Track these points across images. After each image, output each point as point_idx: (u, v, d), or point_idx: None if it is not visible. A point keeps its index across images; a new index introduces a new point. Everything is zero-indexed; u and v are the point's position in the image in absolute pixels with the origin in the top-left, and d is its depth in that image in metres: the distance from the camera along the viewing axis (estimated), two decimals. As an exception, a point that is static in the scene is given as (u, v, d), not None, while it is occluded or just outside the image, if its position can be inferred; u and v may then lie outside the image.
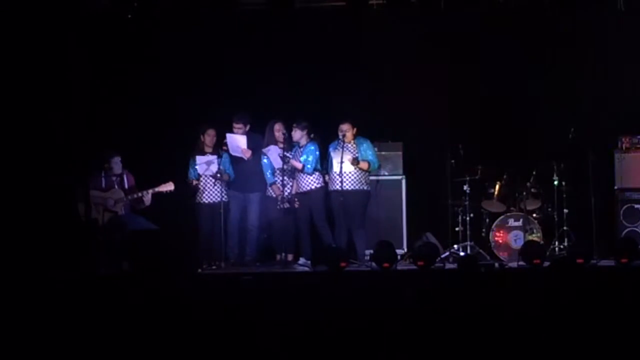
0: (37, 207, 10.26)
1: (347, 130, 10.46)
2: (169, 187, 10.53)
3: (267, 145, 10.65)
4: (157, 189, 10.53)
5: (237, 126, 10.77)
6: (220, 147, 10.71)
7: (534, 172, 11.01)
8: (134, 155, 10.97)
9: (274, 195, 10.71)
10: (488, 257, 10.77)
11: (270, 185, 10.78)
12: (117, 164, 10.70)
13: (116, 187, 10.64)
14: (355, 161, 10.37)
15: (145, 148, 11.27)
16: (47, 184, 10.39)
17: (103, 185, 10.67)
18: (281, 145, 10.55)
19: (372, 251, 10.18)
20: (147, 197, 10.54)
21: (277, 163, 10.55)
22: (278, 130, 10.64)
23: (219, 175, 10.57)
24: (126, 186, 10.69)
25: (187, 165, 10.86)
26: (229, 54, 11.69)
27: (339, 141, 10.44)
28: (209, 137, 10.80)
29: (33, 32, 10.57)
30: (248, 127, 10.82)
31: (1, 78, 10.47)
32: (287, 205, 10.58)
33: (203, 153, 10.74)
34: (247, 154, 10.73)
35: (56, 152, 10.47)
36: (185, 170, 10.87)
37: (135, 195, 10.57)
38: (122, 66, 11.55)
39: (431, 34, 11.49)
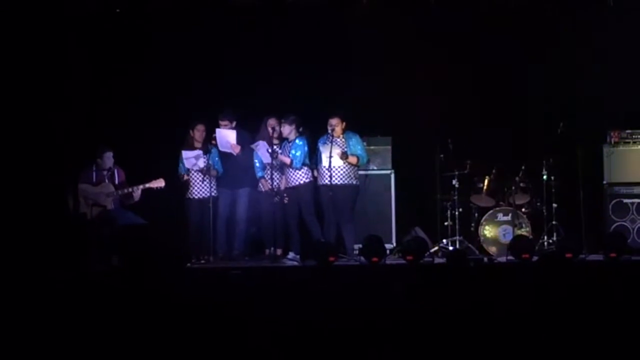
0: (30, 204, 10.27)
1: (336, 124, 10.45)
2: (160, 183, 10.50)
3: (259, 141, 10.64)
4: (147, 185, 10.51)
5: (222, 123, 10.75)
6: (209, 142, 10.70)
7: (523, 167, 11.02)
8: (125, 151, 10.94)
9: (264, 190, 10.71)
10: (477, 252, 10.76)
11: (259, 179, 10.77)
12: (109, 159, 10.68)
13: (107, 181, 10.62)
14: (344, 155, 10.35)
15: (137, 144, 11.23)
16: (43, 181, 10.42)
17: (94, 179, 10.65)
18: (271, 141, 10.52)
19: (360, 245, 10.17)
20: (137, 192, 10.51)
21: (266, 158, 10.54)
22: (270, 125, 10.62)
23: (205, 169, 10.56)
24: (116, 181, 10.67)
25: (177, 161, 10.85)
26: (219, 50, 11.66)
27: (328, 135, 10.43)
28: (198, 133, 10.79)
29: (33, 31, 10.62)
30: (234, 123, 10.80)
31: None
32: (277, 198, 10.56)
33: (192, 148, 10.72)
34: (237, 150, 10.71)
35: (53, 150, 10.49)
36: (176, 166, 10.85)
37: (125, 191, 10.54)
38: (113, 64, 11.51)
39: (421, 30, 11.48)
